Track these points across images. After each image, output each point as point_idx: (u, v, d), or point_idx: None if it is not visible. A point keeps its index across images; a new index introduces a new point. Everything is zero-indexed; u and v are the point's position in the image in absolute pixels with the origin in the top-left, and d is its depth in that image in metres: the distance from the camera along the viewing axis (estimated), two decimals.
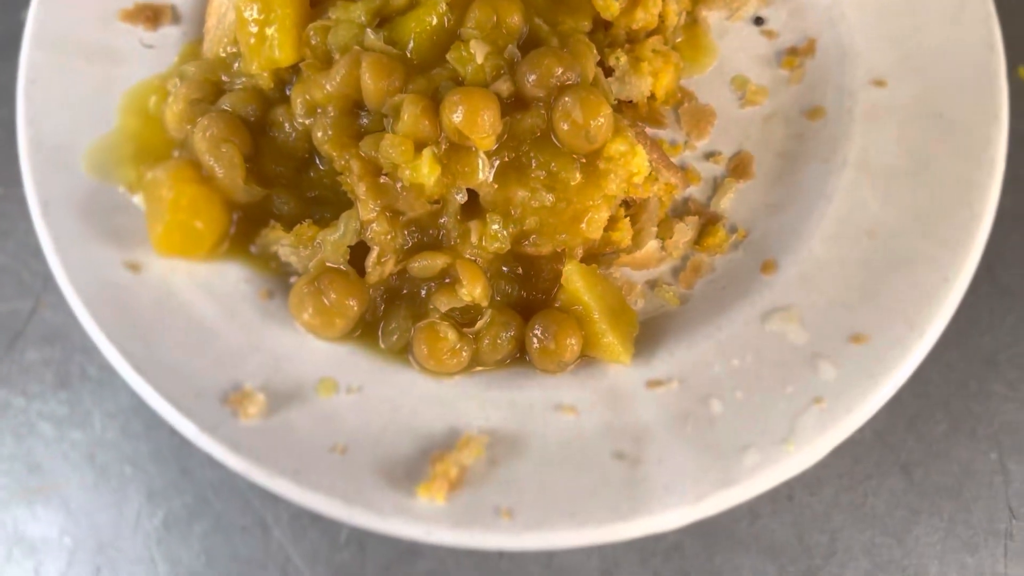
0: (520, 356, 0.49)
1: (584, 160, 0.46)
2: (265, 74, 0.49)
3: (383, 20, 0.49)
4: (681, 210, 0.53)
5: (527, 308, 0.50)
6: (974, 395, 0.52)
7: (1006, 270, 0.55)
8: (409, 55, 0.48)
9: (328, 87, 0.47)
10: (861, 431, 0.51)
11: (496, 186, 0.46)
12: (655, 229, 0.51)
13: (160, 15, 0.54)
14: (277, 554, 0.49)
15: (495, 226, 0.47)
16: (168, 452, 0.51)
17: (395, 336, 0.48)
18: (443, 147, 0.46)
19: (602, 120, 0.45)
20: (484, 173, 0.46)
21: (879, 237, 0.50)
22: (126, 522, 0.50)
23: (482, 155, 0.46)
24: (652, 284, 0.52)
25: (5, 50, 0.58)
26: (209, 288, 0.49)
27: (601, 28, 0.52)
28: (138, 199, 0.50)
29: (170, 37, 0.54)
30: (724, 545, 0.50)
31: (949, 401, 0.52)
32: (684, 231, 0.52)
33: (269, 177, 0.50)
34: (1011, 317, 0.54)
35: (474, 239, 0.47)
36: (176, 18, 0.55)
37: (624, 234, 0.49)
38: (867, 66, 0.54)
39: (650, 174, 0.49)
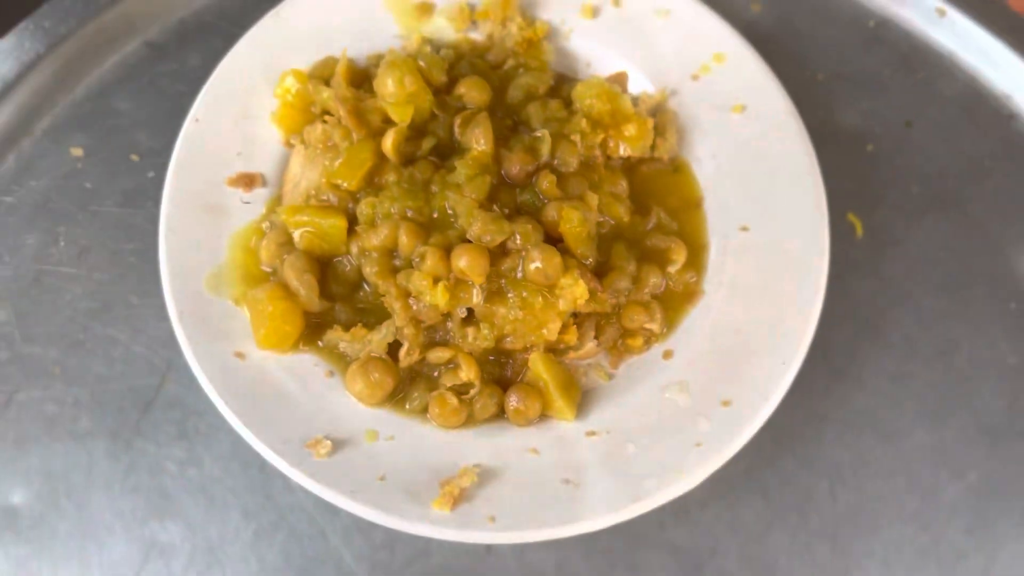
0: (501, 415, 0.72)
1: (544, 289, 0.71)
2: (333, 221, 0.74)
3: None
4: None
5: (506, 383, 0.73)
6: (811, 441, 0.75)
7: (837, 356, 0.79)
8: (434, 217, 0.72)
9: (375, 240, 0.72)
10: (734, 470, 0.75)
11: (485, 306, 0.70)
12: (593, 333, 0.75)
13: (254, 180, 0.78)
14: (333, 554, 0.71)
15: (484, 331, 0.71)
16: (257, 484, 0.73)
17: (417, 402, 0.71)
18: (451, 280, 0.70)
19: (556, 266, 0.69)
20: (477, 298, 0.70)
21: (742, 334, 0.74)
22: (228, 533, 0.72)
23: (476, 287, 0.70)
24: (591, 367, 0.76)
25: (136, 199, 0.83)
26: (291, 370, 0.72)
27: None
28: (243, 310, 0.74)
29: (260, 195, 0.78)
30: (641, 546, 0.72)
31: (795, 447, 0.75)
32: (613, 334, 0.76)
33: (332, 295, 0.74)
34: (840, 388, 0.78)
35: (470, 339, 0.71)
36: (264, 182, 0.79)
37: (572, 337, 0.73)
38: (737, 217, 0.79)
39: (591, 296, 0.73)
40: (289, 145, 0.80)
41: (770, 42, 0.91)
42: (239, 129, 0.80)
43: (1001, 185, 0.85)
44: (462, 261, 0.68)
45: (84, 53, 0.88)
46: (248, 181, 0.78)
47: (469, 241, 0.70)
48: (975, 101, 0.88)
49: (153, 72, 0.88)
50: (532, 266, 0.69)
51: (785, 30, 0.92)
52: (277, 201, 0.78)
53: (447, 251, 0.70)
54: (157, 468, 0.74)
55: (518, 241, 0.70)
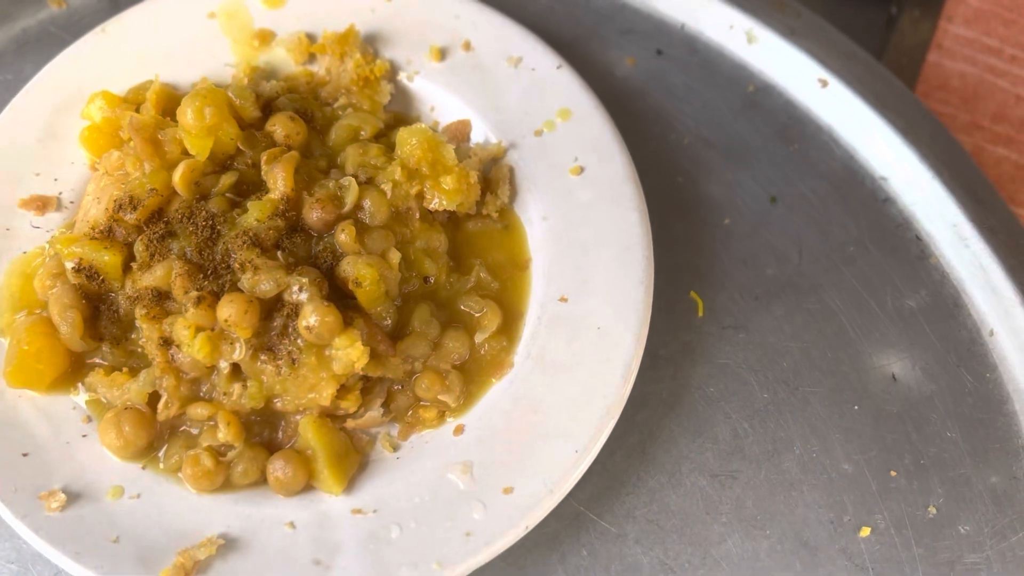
0: (263, 481, 0.67)
1: (317, 349, 0.65)
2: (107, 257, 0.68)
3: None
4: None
5: (276, 446, 0.68)
6: (610, 539, 0.69)
7: (655, 447, 0.72)
8: (216, 261, 0.67)
9: (147, 280, 0.66)
10: (518, 562, 0.68)
11: (251, 362, 0.65)
12: (382, 400, 0.69)
13: (47, 204, 0.74)
14: None
15: (252, 389, 0.65)
16: (3, 530, 0.67)
17: (172, 459, 0.66)
18: (216, 330, 0.65)
19: (330, 325, 0.63)
20: (240, 353, 0.64)
21: (539, 413, 0.68)
22: None
23: (241, 340, 0.64)
24: (378, 436, 0.69)
25: None
26: (44, 411, 0.67)
27: None
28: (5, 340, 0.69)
29: (52, 221, 0.74)
30: None
31: (592, 543, 0.69)
32: (404, 403, 0.70)
33: (101, 334, 0.69)
34: (652, 483, 0.71)
35: (235, 397, 0.66)
36: (59, 206, 0.74)
37: (351, 403, 0.67)
38: (558, 285, 0.72)
39: (379, 360, 0.68)
40: (95, 170, 0.75)
41: (639, 99, 0.86)
42: (43, 148, 0.75)
43: (863, 274, 0.78)
44: (226, 311, 0.63)
45: None
46: (41, 204, 0.74)
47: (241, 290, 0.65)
48: (849, 180, 0.82)
49: None
50: (304, 323, 0.64)
51: (657, 87, 0.86)
52: (70, 228, 0.73)
53: (217, 297, 0.65)
54: None
55: (295, 295, 0.65)
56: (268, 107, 0.75)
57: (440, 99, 0.80)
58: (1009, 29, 1.05)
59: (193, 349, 0.64)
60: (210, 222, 0.68)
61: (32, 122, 0.75)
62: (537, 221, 0.75)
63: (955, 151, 0.81)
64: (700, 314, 0.77)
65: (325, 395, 0.65)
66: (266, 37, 0.80)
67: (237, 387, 0.65)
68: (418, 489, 0.66)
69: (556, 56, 0.80)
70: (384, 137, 0.77)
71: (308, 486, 0.66)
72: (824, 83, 0.84)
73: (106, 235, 0.69)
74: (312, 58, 0.81)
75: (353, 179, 0.70)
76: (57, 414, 0.67)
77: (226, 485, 0.66)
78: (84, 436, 0.66)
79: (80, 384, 0.68)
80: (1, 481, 0.63)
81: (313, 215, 0.69)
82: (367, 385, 0.69)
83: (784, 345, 0.76)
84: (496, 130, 0.78)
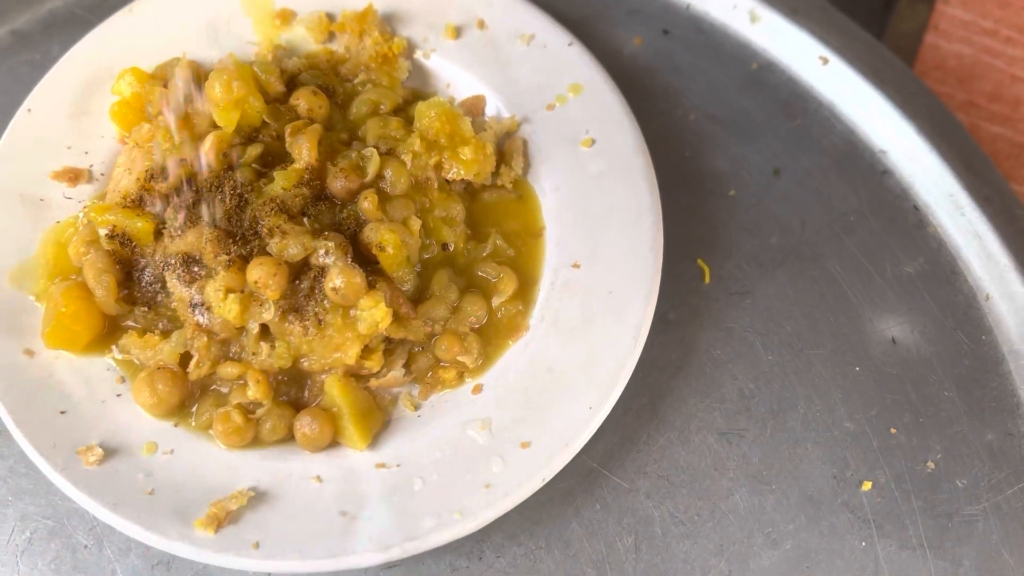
0: (291, 438, 0.70)
1: (343, 310, 0.68)
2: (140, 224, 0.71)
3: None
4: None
5: (302, 405, 0.71)
6: (624, 493, 0.72)
7: (665, 406, 0.75)
8: (245, 227, 0.70)
9: (178, 246, 0.69)
10: (538, 515, 0.71)
11: (279, 323, 0.68)
12: (404, 361, 0.72)
13: (79, 176, 0.77)
14: (106, 567, 0.69)
15: (280, 349, 0.68)
16: (40, 488, 0.71)
17: (204, 417, 0.69)
18: (246, 292, 0.67)
19: (355, 287, 0.66)
20: (270, 314, 0.67)
21: (554, 374, 0.70)
22: (2, 537, 0.69)
23: (270, 301, 0.67)
24: (400, 395, 0.72)
25: None
26: (80, 372, 0.70)
27: None
28: (43, 306, 0.71)
29: (84, 192, 0.77)
30: None
31: (606, 497, 0.72)
32: (425, 364, 0.73)
33: (135, 298, 0.72)
34: (663, 440, 0.74)
35: (263, 356, 0.69)
36: (90, 178, 0.77)
37: (375, 363, 0.70)
38: (571, 252, 0.76)
39: (401, 322, 0.71)
40: (125, 143, 0.78)
41: (646, 77, 0.89)
42: (74, 123, 0.78)
43: (863, 243, 0.81)
44: (255, 273, 0.66)
45: None
46: (73, 176, 0.76)
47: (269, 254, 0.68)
48: (849, 154, 0.85)
49: (14, 60, 0.87)
50: (330, 285, 0.67)
51: (664, 66, 0.89)
52: (101, 199, 0.76)
53: (246, 260, 0.67)
54: None
55: (321, 258, 0.68)
56: (292, 82, 0.78)
57: (456, 76, 0.83)
58: (1005, 11, 1.08)
59: (224, 310, 0.66)
60: (238, 191, 0.70)
61: (63, 98, 0.78)
62: (550, 191, 0.78)
63: (951, 124, 0.84)
64: (707, 281, 0.80)
65: (350, 355, 0.68)
66: (287, 16, 0.83)
67: (265, 347, 0.68)
68: (439, 444, 0.69)
69: (567, 33, 0.83)
70: (402, 112, 0.80)
71: (334, 442, 0.69)
72: (825, 61, 0.87)
73: (137, 204, 0.72)
74: (332, 36, 0.83)
75: (375, 150, 0.73)
76: (93, 374, 0.70)
77: (255, 441, 0.69)
78: (118, 395, 0.69)
79: (114, 346, 0.71)
80: (40, 437, 0.66)
81: (337, 184, 0.72)
82: (389, 346, 0.72)
83: (788, 310, 0.79)
84: (510, 105, 0.81)
